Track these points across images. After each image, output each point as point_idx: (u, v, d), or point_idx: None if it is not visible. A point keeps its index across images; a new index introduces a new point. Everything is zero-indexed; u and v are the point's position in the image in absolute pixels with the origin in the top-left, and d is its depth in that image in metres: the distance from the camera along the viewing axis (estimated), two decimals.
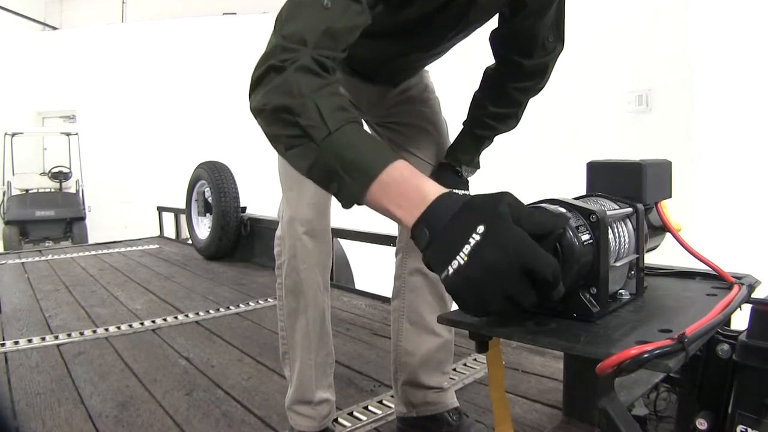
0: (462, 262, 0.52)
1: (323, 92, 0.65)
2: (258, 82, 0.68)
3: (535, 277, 0.52)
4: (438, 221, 0.55)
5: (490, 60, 1.15)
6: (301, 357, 1.20)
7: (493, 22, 1.09)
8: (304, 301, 1.16)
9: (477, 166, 1.20)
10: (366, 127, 1.18)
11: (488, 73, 1.16)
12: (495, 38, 1.10)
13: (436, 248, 0.55)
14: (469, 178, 1.20)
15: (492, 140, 1.20)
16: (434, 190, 0.58)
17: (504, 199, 0.54)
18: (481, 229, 0.52)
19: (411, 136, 1.22)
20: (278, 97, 0.65)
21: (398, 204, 0.59)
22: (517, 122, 1.19)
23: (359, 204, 0.63)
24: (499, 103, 1.13)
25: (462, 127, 1.19)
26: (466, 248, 0.52)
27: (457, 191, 0.59)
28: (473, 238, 0.52)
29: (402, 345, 1.26)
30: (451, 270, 0.53)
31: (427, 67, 1.28)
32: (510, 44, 1.08)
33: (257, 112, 0.68)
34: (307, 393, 1.21)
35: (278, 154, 0.74)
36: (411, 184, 0.59)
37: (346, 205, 0.64)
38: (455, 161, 1.17)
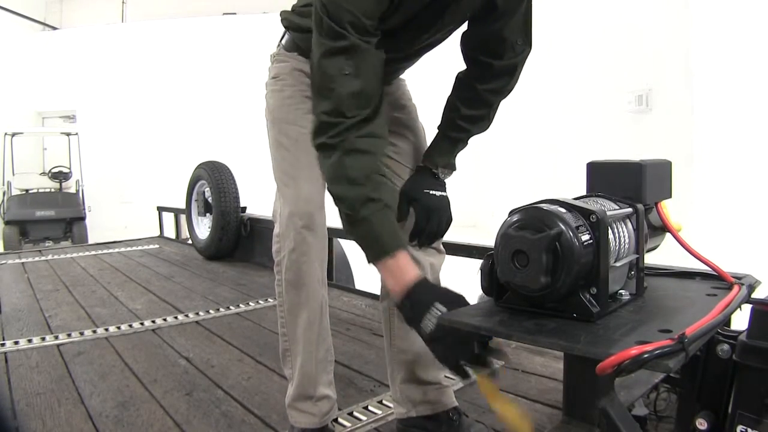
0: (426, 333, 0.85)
1: (362, 178, 0.90)
2: (318, 149, 0.94)
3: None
4: (409, 305, 0.88)
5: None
6: (302, 351, 1.21)
7: (464, 27, 1.13)
8: (305, 294, 1.18)
9: (453, 168, 1.23)
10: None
11: (460, 77, 1.19)
12: (466, 41, 1.14)
13: (409, 321, 0.88)
14: (446, 180, 1.23)
15: (466, 143, 1.23)
16: (413, 278, 0.89)
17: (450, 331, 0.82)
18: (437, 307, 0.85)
19: (391, 141, 1.25)
20: (332, 184, 0.94)
21: (392, 280, 0.90)
22: (489, 124, 1.23)
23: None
24: (471, 104, 1.17)
25: (437, 131, 1.22)
26: (426, 319, 0.85)
27: (427, 280, 0.91)
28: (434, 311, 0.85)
29: (396, 343, 1.27)
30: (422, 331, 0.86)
31: (405, 76, 1.32)
32: (480, 46, 1.13)
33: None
34: (308, 388, 1.22)
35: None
36: (401, 271, 0.90)
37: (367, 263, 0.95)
38: (432, 164, 1.20)
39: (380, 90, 0.95)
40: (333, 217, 1.21)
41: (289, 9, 1.21)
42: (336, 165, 0.90)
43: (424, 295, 0.86)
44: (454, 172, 1.23)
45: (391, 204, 0.95)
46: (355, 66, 0.89)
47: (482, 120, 1.20)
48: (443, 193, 1.18)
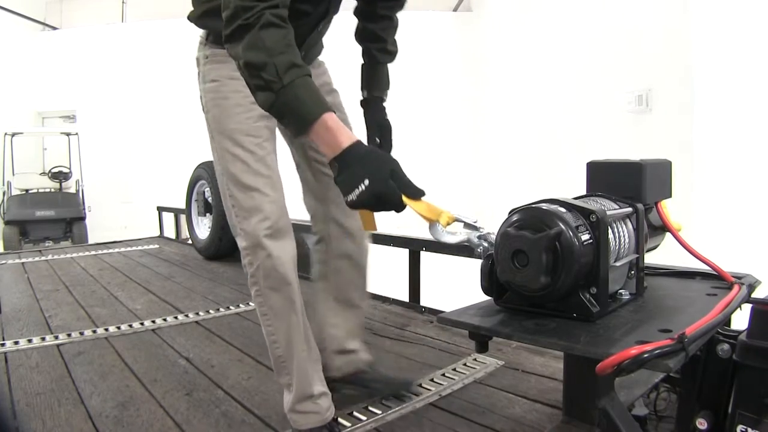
0: (355, 197, 0.86)
1: (280, 49, 0.88)
2: (231, 37, 0.92)
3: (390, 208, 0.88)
4: (345, 162, 0.87)
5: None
6: (297, 353, 1.23)
7: None
8: (288, 295, 1.21)
9: (388, 86, 1.39)
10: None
11: (358, 11, 1.35)
12: None
13: (341, 181, 0.88)
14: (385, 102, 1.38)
15: (385, 58, 1.38)
16: (346, 140, 0.88)
17: (385, 167, 0.87)
18: (366, 182, 0.85)
19: None
20: (248, 53, 0.89)
21: (324, 143, 0.89)
22: (395, 31, 1.38)
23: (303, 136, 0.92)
24: (374, 20, 1.34)
25: (361, 68, 1.38)
26: (358, 189, 0.85)
27: (360, 144, 0.89)
28: (363, 185, 0.85)
29: (329, 320, 1.43)
30: (350, 198, 0.86)
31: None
32: None
33: (234, 59, 0.93)
34: (307, 388, 1.24)
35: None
36: (331, 135, 0.89)
37: (294, 136, 0.96)
38: (379, 92, 1.35)
39: None
40: None
41: (199, 13, 1.21)
42: (253, 38, 0.89)
43: (355, 167, 0.86)
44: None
45: (311, 74, 0.93)
46: None
47: (388, 29, 1.36)
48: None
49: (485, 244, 0.86)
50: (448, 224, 0.88)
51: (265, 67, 0.87)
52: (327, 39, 1.38)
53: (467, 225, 0.89)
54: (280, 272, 1.18)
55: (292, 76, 0.88)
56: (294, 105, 0.88)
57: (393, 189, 0.86)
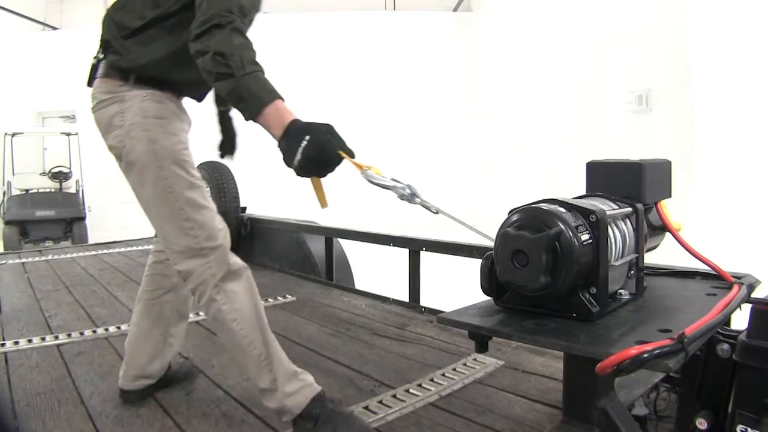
0: (299, 155, 1.00)
1: (246, 47, 1.07)
2: (201, 35, 1.07)
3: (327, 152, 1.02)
4: (289, 134, 1.02)
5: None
6: (271, 342, 1.29)
7: None
8: (250, 288, 1.31)
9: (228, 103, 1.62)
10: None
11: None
12: None
13: (287, 151, 1.02)
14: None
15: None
16: (289, 119, 1.03)
17: (324, 126, 1.03)
18: (307, 137, 1.00)
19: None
20: (219, 46, 1.05)
21: (274, 124, 1.04)
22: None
23: (254, 121, 1.06)
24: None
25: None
26: (301, 146, 1.00)
27: (299, 120, 1.04)
28: (305, 141, 1.00)
29: (170, 330, 1.57)
30: (296, 159, 1.01)
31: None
32: None
33: (200, 53, 1.07)
34: (289, 366, 1.29)
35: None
36: (279, 115, 1.04)
37: (246, 119, 1.07)
38: (225, 106, 1.70)
39: (253, 20, 1.18)
40: (333, 218, 1.22)
41: (158, 57, 1.27)
42: (224, 35, 1.05)
43: (298, 132, 1.01)
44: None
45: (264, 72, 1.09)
46: None
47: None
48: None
49: (407, 192, 1.02)
50: (378, 174, 1.04)
51: (232, 56, 1.04)
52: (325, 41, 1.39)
53: (393, 179, 1.04)
54: (241, 270, 1.31)
55: (253, 68, 1.05)
56: (252, 91, 1.04)
57: (330, 141, 1.01)
